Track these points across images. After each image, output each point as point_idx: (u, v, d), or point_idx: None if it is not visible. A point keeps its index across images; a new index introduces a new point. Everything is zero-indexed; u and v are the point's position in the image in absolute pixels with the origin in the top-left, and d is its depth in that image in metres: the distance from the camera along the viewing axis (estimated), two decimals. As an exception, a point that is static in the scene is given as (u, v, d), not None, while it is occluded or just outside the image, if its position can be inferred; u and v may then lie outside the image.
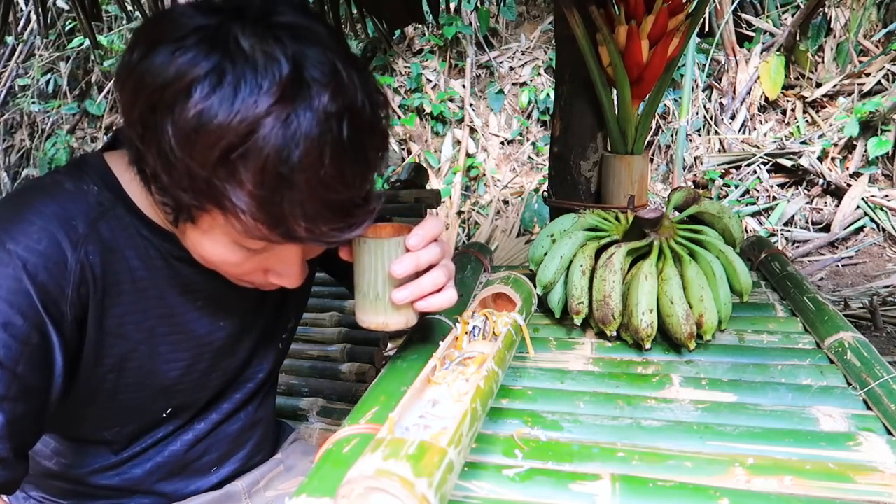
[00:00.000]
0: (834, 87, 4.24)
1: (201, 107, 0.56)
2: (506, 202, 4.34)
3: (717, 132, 4.36)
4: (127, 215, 0.73)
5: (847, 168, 3.96)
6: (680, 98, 4.27)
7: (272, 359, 0.93)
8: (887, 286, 3.13)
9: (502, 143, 4.70)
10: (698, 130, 4.42)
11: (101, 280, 0.71)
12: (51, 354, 0.67)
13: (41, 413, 0.69)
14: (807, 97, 4.29)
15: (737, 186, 4.11)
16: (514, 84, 4.80)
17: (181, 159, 0.58)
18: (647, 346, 0.87)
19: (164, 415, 0.85)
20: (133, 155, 0.66)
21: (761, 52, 4.41)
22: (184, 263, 0.77)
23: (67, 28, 5.03)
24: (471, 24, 4.80)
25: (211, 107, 0.56)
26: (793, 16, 4.44)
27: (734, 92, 4.41)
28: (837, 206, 3.81)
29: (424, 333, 0.86)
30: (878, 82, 4.11)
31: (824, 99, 4.29)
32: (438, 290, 0.72)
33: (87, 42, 4.65)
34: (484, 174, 4.54)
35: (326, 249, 1.00)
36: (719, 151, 4.30)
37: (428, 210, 1.99)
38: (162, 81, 0.58)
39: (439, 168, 4.59)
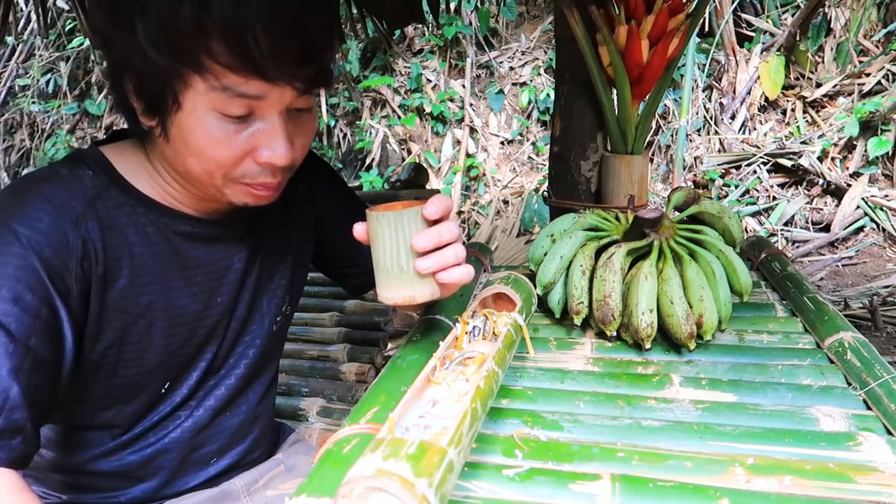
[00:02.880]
0: (834, 87, 4.24)
1: None
2: (506, 202, 4.34)
3: (717, 132, 4.37)
4: (123, 195, 0.77)
5: (847, 168, 3.96)
6: (680, 98, 4.27)
7: (263, 338, 0.94)
8: (887, 286, 3.13)
9: (502, 143, 4.70)
10: (698, 130, 4.43)
11: (101, 255, 0.74)
12: (60, 328, 0.71)
13: (55, 387, 0.72)
14: (807, 97, 4.29)
15: (737, 186, 4.11)
16: (514, 84, 4.80)
17: (154, 26, 0.64)
18: (647, 346, 0.87)
19: (163, 391, 0.87)
20: (115, 72, 0.71)
21: (761, 52, 4.41)
22: (182, 238, 0.81)
23: (67, 28, 5.03)
24: (471, 24, 4.80)
25: None
26: (793, 16, 4.44)
27: (734, 92, 4.41)
28: (837, 206, 3.81)
29: (424, 333, 0.86)
30: (878, 82, 4.11)
31: (824, 99, 4.29)
32: (458, 265, 0.73)
33: (87, 42, 4.66)
34: (484, 174, 4.54)
35: (322, 239, 1.00)
36: (719, 151, 4.31)
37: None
38: None
39: (439, 168, 4.59)
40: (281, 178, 0.77)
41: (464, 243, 0.78)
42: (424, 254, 0.70)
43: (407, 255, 0.71)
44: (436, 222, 0.72)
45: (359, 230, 0.73)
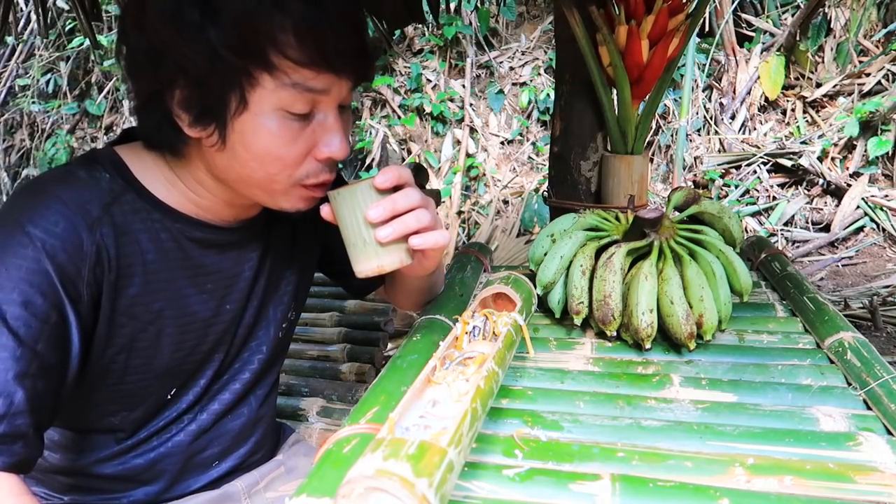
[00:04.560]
0: (834, 87, 4.24)
1: None
2: (506, 202, 4.34)
3: (717, 132, 4.37)
4: (138, 200, 0.77)
5: (847, 168, 3.96)
6: (680, 98, 4.27)
7: (269, 344, 0.94)
8: (887, 286, 3.13)
9: (502, 143, 4.70)
10: (698, 130, 4.42)
11: (114, 261, 0.74)
12: (68, 333, 0.71)
13: (59, 392, 0.71)
14: (807, 97, 4.29)
15: (737, 186, 4.11)
16: (514, 84, 4.80)
17: (227, 28, 0.66)
18: (647, 346, 0.87)
19: (169, 396, 0.87)
20: (161, 84, 0.71)
21: (761, 52, 4.41)
22: (195, 245, 0.81)
23: (67, 28, 5.03)
24: (471, 24, 4.80)
25: None
26: (793, 16, 4.43)
27: (734, 92, 4.41)
28: (837, 206, 3.81)
29: (424, 333, 0.86)
30: (878, 82, 4.11)
31: (824, 99, 4.28)
32: (429, 230, 0.74)
33: (87, 42, 4.65)
34: (484, 174, 4.54)
35: (326, 242, 1.01)
36: (719, 151, 4.30)
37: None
38: None
39: (439, 168, 4.59)
40: (335, 173, 0.80)
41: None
42: (384, 224, 0.72)
43: (367, 228, 0.73)
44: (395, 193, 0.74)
45: (325, 211, 0.76)
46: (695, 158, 4.31)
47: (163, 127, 0.73)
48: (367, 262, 0.74)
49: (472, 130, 4.68)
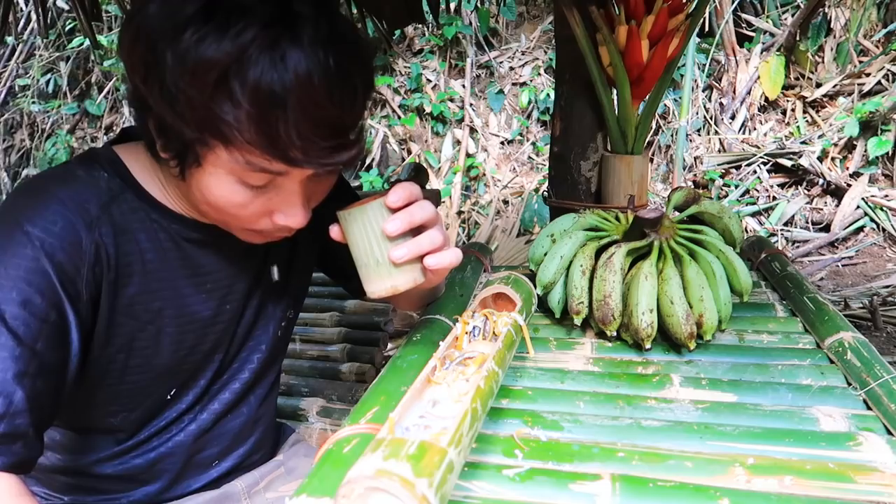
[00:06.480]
0: (834, 87, 4.24)
1: (195, 38, 0.60)
2: (506, 202, 4.34)
3: (717, 132, 4.36)
4: (137, 200, 0.76)
5: (847, 168, 3.96)
6: (680, 98, 4.27)
7: (268, 343, 0.94)
8: (887, 286, 3.13)
9: (502, 143, 4.70)
10: (698, 130, 4.42)
11: (114, 260, 0.73)
12: (67, 333, 0.70)
13: (59, 392, 0.71)
14: (807, 97, 4.29)
15: (737, 186, 4.11)
16: (514, 84, 4.80)
17: (182, 90, 0.61)
18: (647, 346, 0.87)
19: (169, 396, 0.86)
20: (138, 105, 0.69)
21: (761, 52, 4.41)
22: (193, 245, 0.80)
23: (67, 28, 5.03)
24: (471, 24, 4.80)
25: (204, 38, 0.60)
26: (793, 16, 4.43)
27: (734, 92, 4.41)
28: (837, 206, 3.81)
29: (424, 333, 0.86)
30: (878, 82, 4.11)
31: (824, 99, 4.28)
32: (442, 250, 0.72)
33: (87, 42, 4.66)
34: (484, 174, 4.54)
35: (326, 243, 1.00)
36: (719, 151, 4.30)
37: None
38: (159, 20, 0.62)
39: (439, 168, 4.59)
40: (293, 233, 0.78)
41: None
42: (399, 238, 0.70)
43: (380, 247, 0.70)
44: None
45: (334, 231, 0.73)
46: (695, 158, 4.31)
47: (142, 130, 0.72)
48: (381, 282, 0.72)
49: (472, 130, 4.68)
